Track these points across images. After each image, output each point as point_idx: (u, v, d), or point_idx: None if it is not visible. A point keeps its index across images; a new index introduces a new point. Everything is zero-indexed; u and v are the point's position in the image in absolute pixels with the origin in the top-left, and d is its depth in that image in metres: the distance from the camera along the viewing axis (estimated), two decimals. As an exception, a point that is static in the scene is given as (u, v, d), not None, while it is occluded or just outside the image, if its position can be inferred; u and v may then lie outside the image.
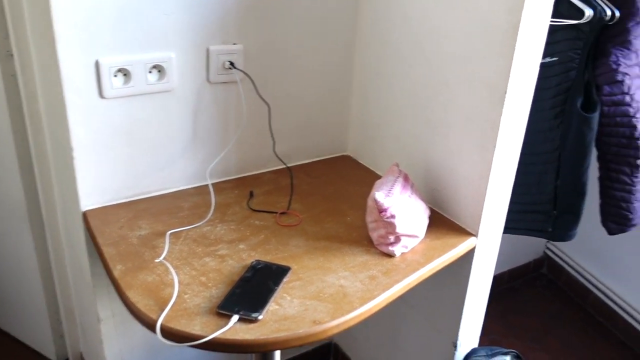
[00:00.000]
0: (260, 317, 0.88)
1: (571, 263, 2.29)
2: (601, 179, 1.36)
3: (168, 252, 1.04)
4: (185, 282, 0.96)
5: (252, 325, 0.87)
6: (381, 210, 1.04)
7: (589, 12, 1.14)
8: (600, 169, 1.35)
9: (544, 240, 2.39)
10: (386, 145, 1.38)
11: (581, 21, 1.15)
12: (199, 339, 0.84)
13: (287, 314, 0.90)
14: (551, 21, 1.17)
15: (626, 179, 1.32)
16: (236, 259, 1.04)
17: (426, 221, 1.15)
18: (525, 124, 1.09)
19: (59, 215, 1.44)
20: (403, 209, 1.07)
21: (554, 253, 2.37)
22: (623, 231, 1.43)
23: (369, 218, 1.10)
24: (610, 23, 1.18)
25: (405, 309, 1.44)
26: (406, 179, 1.16)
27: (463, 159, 1.15)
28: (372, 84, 1.38)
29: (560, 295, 2.31)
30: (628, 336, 2.06)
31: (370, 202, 1.07)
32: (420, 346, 1.41)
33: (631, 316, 2.04)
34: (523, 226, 1.39)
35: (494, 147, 1.07)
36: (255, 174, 1.39)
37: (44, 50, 1.14)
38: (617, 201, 1.37)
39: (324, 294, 0.96)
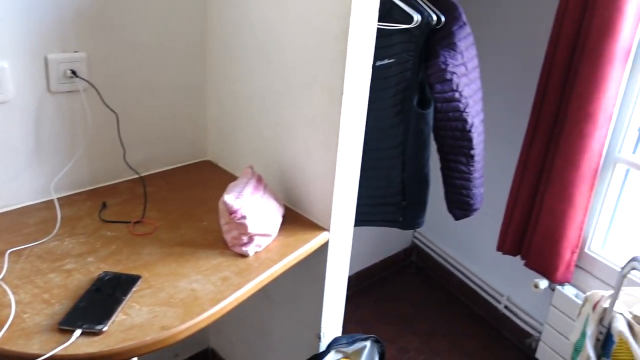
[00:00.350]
0: (104, 329, 0.87)
1: (436, 249, 2.46)
2: (442, 170, 1.48)
3: (7, 271, 0.99)
4: (25, 302, 0.92)
5: (96, 338, 0.85)
6: (231, 212, 1.06)
7: (417, 17, 1.24)
8: (441, 160, 1.47)
9: (410, 230, 2.55)
10: (243, 149, 1.40)
11: (411, 26, 1.25)
12: (37, 358, 0.81)
13: (135, 322, 0.90)
14: (386, 26, 1.26)
15: (464, 168, 1.45)
16: (84, 272, 1.01)
17: (279, 220, 1.19)
18: (364, 122, 1.16)
19: None
20: (254, 209, 1.10)
21: (421, 241, 2.53)
22: (467, 216, 1.57)
23: (222, 221, 1.12)
24: (438, 27, 1.29)
25: (272, 307, 1.48)
26: (259, 180, 1.19)
27: (311, 157, 1.20)
28: (226, 88, 1.39)
29: (428, 281, 2.48)
30: (487, 312, 2.25)
31: (221, 205, 1.09)
32: (288, 341, 1.45)
33: (487, 293, 2.23)
34: (377, 218, 1.48)
35: (337, 144, 1.13)
36: (110, 184, 1.35)
37: None
38: (458, 189, 1.50)
39: (174, 299, 0.96)
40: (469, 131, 1.38)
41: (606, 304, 1.41)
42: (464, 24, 1.30)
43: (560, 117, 1.58)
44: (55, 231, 1.12)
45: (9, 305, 0.90)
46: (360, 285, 2.38)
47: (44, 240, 1.09)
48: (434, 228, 2.46)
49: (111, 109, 1.26)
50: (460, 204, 1.53)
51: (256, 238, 1.10)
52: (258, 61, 1.26)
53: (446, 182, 1.50)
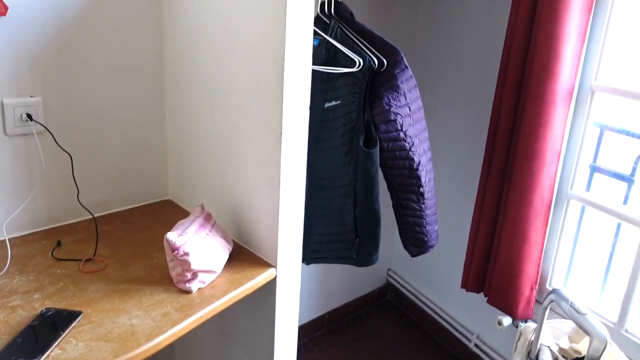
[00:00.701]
0: (37, 363, 0.89)
1: (409, 288, 2.47)
2: (394, 207, 1.52)
3: (-49, 308, 1.02)
4: (-36, 338, 0.95)
5: (27, 372, 0.87)
6: (174, 248, 1.10)
7: (359, 62, 1.30)
8: (392, 198, 1.51)
9: (385, 268, 2.57)
10: (200, 187, 1.45)
11: (354, 69, 1.31)
12: (-34, 392, 0.83)
13: (69, 357, 0.92)
14: (331, 70, 1.33)
15: (415, 205, 1.49)
16: (28, 308, 1.04)
17: (225, 256, 1.22)
18: (305, 161, 1.21)
19: None
20: (198, 246, 1.13)
21: (395, 280, 2.55)
22: (423, 252, 1.60)
23: (167, 258, 1.15)
24: (381, 70, 1.36)
25: (226, 342, 1.49)
26: (207, 218, 1.23)
27: (257, 195, 1.24)
28: (184, 129, 1.45)
29: (402, 319, 2.48)
30: (459, 350, 2.25)
31: (165, 242, 1.13)
32: (243, 379, 1.46)
33: (458, 331, 2.24)
34: (332, 255, 1.51)
35: (279, 183, 1.17)
36: (68, 224, 1.39)
37: None
38: (411, 226, 1.53)
39: (112, 335, 0.98)
40: (417, 169, 1.43)
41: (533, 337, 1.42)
42: (406, 67, 1.37)
43: (511, 156, 1.64)
44: (4, 269, 1.15)
45: (-53, 341, 0.93)
46: (333, 324, 2.39)
47: (-8, 278, 1.12)
48: (407, 266, 2.48)
49: (65, 151, 1.31)
50: (415, 241, 1.57)
51: (200, 274, 1.14)
52: (211, 103, 1.32)
53: (399, 219, 1.54)
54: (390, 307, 2.57)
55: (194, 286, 1.13)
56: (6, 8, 1.15)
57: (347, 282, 2.41)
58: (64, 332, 0.97)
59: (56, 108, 1.29)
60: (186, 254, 1.10)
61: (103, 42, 1.33)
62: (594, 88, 1.57)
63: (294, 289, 1.32)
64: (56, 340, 0.95)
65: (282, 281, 1.27)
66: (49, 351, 0.92)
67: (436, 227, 1.59)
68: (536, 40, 1.49)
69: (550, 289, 1.82)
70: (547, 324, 1.51)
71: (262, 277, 1.22)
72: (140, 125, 1.46)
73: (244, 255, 1.29)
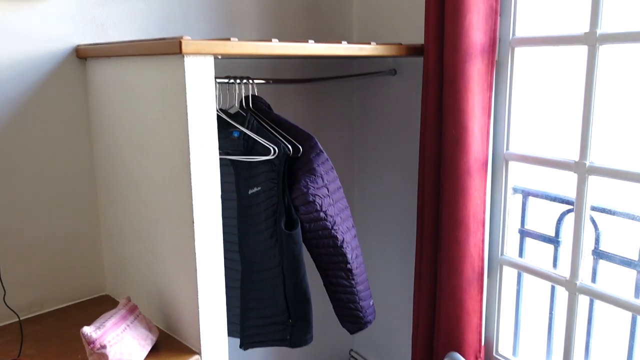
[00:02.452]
0: None
1: (372, 367, 2.44)
2: (325, 286, 1.56)
3: None
4: None
5: None
6: (89, 342, 1.12)
7: (273, 150, 1.39)
8: (322, 277, 1.55)
9: (347, 349, 2.54)
10: (134, 280, 1.48)
11: (270, 157, 1.40)
12: None
13: None
14: (249, 159, 1.41)
15: (345, 282, 1.53)
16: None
17: (148, 347, 1.23)
18: (221, 247, 1.26)
19: None
20: (116, 338, 1.15)
21: (359, 355, 2.52)
22: (361, 329, 1.62)
23: (87, 352, 1.17)
24: (297, 156, 1.44)
25: None
26: (131, 309, 1.25)
27: (180, 284, 1.28)
28: (115, 224, 1.50)
29: (367, 401, 2.43)
30: None
31: (82, 337, 1.15)
32: None
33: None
34: (268, 338, 1.52)
35: (196, 270, 1.21)
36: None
37: None
38: (345, 303, 1.56)
39: None
40: (341, 247, 1.48)
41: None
42: (321, 151, 1.46)
43: (439, 226, 1.70)
44: None
45: None
46: (296, 413, 2.33)
47: None
48: (369, 345, 2.46)
49: (-9, 254, 1.36)
50: (351, 318, 1.59)
51: (119, 367, 1.15)
52: (133, 198, 1.38)
53: (332, 297, 1.57)
54: (355, 389, 2.52)
55: (112, 379, 1.14)
56: None
57: (308, 365, 2.38)
58: None
59: (-16, 212, 1.34)
60: (103, 346, 1.12)
61: (33, 148, 1.41)
62: (507, 157, 1.67)
63: (222, 375, 1.32)
64: None
65: (209, 368, 1.28)
66: None
67: (371, 302, 1.62)
68: (446, 118, 1.60)
69: (497, 356, 1.82)
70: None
71: (185, 365, 1.23)
72: (74, 223, 1.51)
73: (170, 344, 1.31)
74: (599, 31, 1.39)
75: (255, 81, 1.52)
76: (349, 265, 1.51)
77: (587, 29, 1.41)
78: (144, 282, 1.43)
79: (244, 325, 1.53)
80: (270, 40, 1.29)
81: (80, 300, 1.56)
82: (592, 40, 1.40)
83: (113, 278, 1.58)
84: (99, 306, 1.53)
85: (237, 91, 1.51)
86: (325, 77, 1.95)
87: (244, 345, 1.53)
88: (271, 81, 1.72)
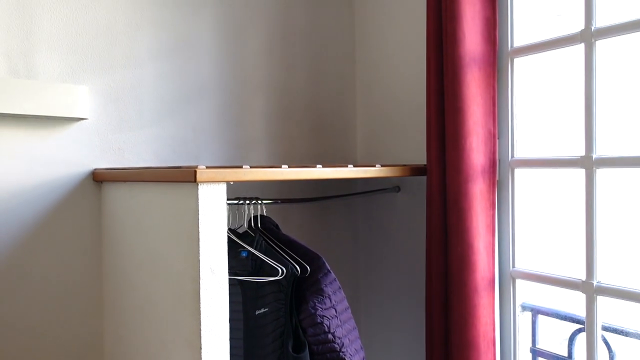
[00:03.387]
0: None
1: None
2: (333, 411, 1.50)
3: None
4: None
5: None
6: None
7: (281, 270, 1.40)
8: (330, 401, 1.50)
9: None
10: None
11: (278, 278, 1.41)
12: None
13: None
14: (257, 279, 1.42)
15: (354, 407, 1.48)
16: None
17: None
18: (228, 373, 1.23)
19: None
20: None
21: None
22: None
23: None
24: (305, 276, 1.46)
25: None
26: None
27: (183, 412, 1.24)
28: (119, 346, 1.48)
29: None
30: None
31: None
32: None
33: None
34: None
35: (201, 398, 1.18)
36: None
37: None
38: None
39: None
40: (350, 369, 1.45)
41: None
42: (328, 271, 1.47)
43: (448, 347, 1.67)
44: None
45: None
46: None
47: None
48: None
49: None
50: None
51: None
52: (141, 320, 1.38)
53: (340, 423, 1.50)
54: None
55: None
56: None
57: None
58: None
59: (-10, 336, 1.34)
60: None
61: (46, 269, 1.43)
62: (514, 275, 1.68)
63: None
64: None
65: None
66: None
67: None
68: (451, 236, 1.62)
69: None
70: None
71: None
72: (78, 344, 1.49)
73: None
74: (594, 155, 1.45)
75: (264, 201, 1.57)
76: (357, 390, 1.47)
77: (583, 153, 1.47)
78: (146, 409, 1.38)
79: None
80: (280, 166, 1.35)
81: None
82: (588, 164, 1.46)
83: (114, 402, 1.53)
84: None
85: (246, 211, 1.55)
86: (331, 196, 2.01)
87: None
88: (279, 201, 1.77)
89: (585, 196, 1.47)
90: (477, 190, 1.61)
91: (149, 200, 1.33)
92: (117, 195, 1.46)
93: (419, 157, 1.90)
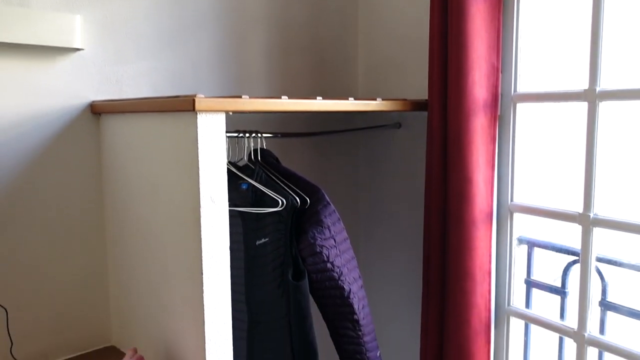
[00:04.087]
0: None
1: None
2: (332, 336, 1.56)
3: None
4: None
5: None
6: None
7: (281, 202, 1.42)
8: (328, 327, 1.55)
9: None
10: (140, 331, 1.48)
11: (278, 209, 1.43)
12: None
13: None
14: (258, 210, 1.44)
15: (352, 333, 1.53)
16: None
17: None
18: (229, 299, 1.27)
19: None
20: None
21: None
22: (369, 381, 1.60)
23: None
24: (304, 208, 1.47)
25: None
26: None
27: (187, 336, 1.29)
28: (122, 275, 1.52)
29: None
30: None
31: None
32: None
33: None
34: (273, 390, 1.51)
35: (204, 323, 1.22)
36: (5, 377, 1.40)
37: None
38: (352, 354, 1.56)
39: None
40: (348, 297, 1.49)
41: None
42: (328, 203, 1.48)
43: (445, 277, 1.71)
44: None
45: None
46: None
47: None
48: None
49: (1, 306, 1.37)
50: (358, 370, 1.58)
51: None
52: (143, 250, 1.41)
53: (338, 348, 1.56)
54: None
55: None
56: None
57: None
58: None
59: (-4, 264, 1.37)
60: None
61: (44, 202, 1.45)
62: (512, 208, 1.70)
63: None
64: None
65: (215, 422, 1.27)
66: None
67: (378, 353, 1.61)
68: (450, 171, 1.63)
69: (507, 410, 1.79)
70: None
71: (191, 420, 1.22)
72: (82, 274, 1.53)
73: (178, 398, 1.30)
74: (598, 88, 1.43)
75: (264, 135, 1.56)
76: (355, 316, 1.51)
77: (586, 86, 1.46)
78: (151, 333, 1.43)
79: (251, 377, 1.52)
80: (280, 97, 1.33)
81: (86, 352, 1.56)
82: (591, 97, 1.45)
83: (119, 329, 1.58)
84: (105, 357, 1.53)
85: (246, 144, 1.55)
86: (332, 131, 2.00)
87: (250, 398, 1.51)
88: (279, 135, 1.77)
89: (586, 129, 1.46)
90: (478, 125, 1.60)
91: (148, 131, 1.33)
92: (116, 127, 1.46)
93: (421, 94, 1.88)
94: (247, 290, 1.51)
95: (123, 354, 1.54)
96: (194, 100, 1.14)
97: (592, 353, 1.57)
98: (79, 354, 1.54)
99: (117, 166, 1.48)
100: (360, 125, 2.11)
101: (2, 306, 1.37)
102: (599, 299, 1.63)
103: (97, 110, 1.50)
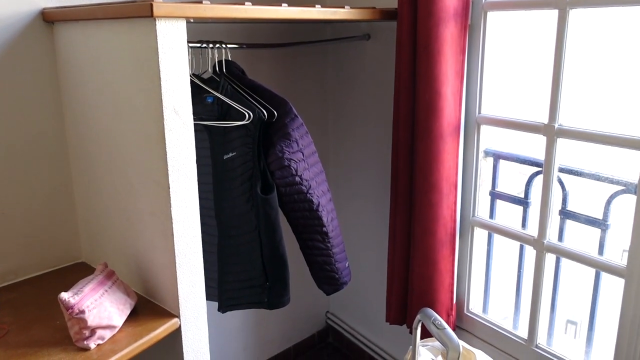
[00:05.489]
0: None
1: (347, 328, 2.51)
2: (301, 249, 1.58)
3: None
4: None
5: None
6: (67, 307, 1.12)
7: (248, 115, 1.39)
8: (298, 240, 1.57)
9: (324, 311, 2.60)
10: (109, 246, 1.48)
11: (245, 122, 1.40)
12: None
13: None
14: (224, 124, 1.41)
15: (321, 245, 1.56)
16: None
17: (126, 311, 1.25)
18: (197, 211, 1.27)
19: None
20: (95, 303, 1.16)
21: (334, 322, 2.58)
22: (337, 290, 1.65)
23: (65, 318, 1.18)
24: (272, 121, 1.45)
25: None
26: (108, 275, 1.26)
27: (156, 249, 1.29)
28: (89, 191, 1.49)
29: (343, 360, 2.51)
30: (397, 385, 2.28)
31: (60, 303, 1.15)
32: None
33: (395, 366, 2.28)
34: (245, 301, 1.55)
35: (172, 234, 1.22)
36: (-27, 295, 1.40)
37: None
38: (321, 265, 1.59)
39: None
40: (317, 210, 1.50)
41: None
42: (295, 116, 1.46)
43: (413, 189, 1.73)
44: None
45: None
46: (274, 373, 2.39)
47: None
48: (344, 307, 2.52)
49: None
50: (327, 280, 1.62)
51: (98, 331, 1.16)
52: (108, 164, 1.38)
53: (308, 260, 1.60)
54: (331, 349, 2.59)
55: (92, 343, 1.15)
56: None
57: (285, 328, 2.43)
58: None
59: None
60: (81, 311, 1.13)
61: (1, 114, 1.38)
62: (479, 121, 1.70)
63: (201, 338, 1.35)
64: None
65: (188, 330, 1.30)
66: None
67: (347, 264, 1.66)
68: (419, 82, 1.61)
69: (468, 314, 1.89)
70: (424, 343, 1.64)
71: (164, 327, 1.25)
72: (46, 191, 1.50)
73: (148, 309, 1.32)
74: (569, -5, 1.41)
75: (229, 46, 1.50)
76: (324, 229, 1.54)
77: (557, -7, 1.43)
78: (120, 248, 1.43)
79: (222, 289, 1.55)
80: (244, 3, 1.27)
81: (56, 268, 1.56)
82: (562, 3, 1.42)
83: (89, 245, 1.57)
84: (76, 273, 1.53)
85: (210, 56, 1.49)
86: (299, 42, 1.94)
87: (222, 308, 1.55)
88: (245, 46, 1.70)
89: (555, 37, 1.45)
90: (448, 34, 1.57)
91: (105, 40, 1.26)
92: (71, 37, 1.37)
93: (391, 3, 1.81)
94: (216, 206, 1.51)
95: (93, 269, 1.55)
96: (151, 5, 1.08)
97: (550, 259, 1.65)
98: (49, 270, 1.54)
99: (75, 78, 1.41)
100: (328, 37, 2.05)
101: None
102: (560, 208, 1.68)
103: (49, 18, 1.40)
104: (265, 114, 1.41)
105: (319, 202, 1.51)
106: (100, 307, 1.17)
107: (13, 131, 1.41)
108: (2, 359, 1.12)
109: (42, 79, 1.44)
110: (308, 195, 1.48)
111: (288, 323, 2.44)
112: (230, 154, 1.45)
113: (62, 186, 1.53)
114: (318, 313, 2.58)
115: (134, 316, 1.28)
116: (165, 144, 1.17)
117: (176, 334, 1.30)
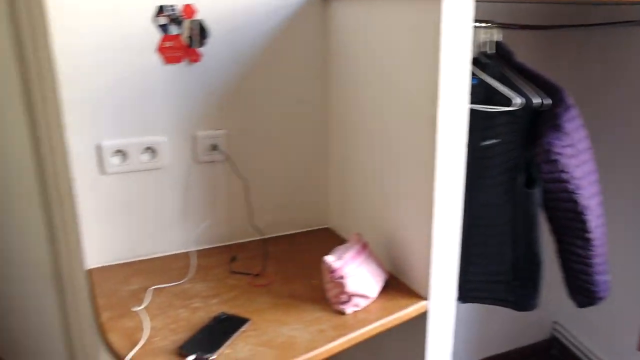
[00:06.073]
0: (213, 358, 1.04)
1: (579, 346, 2.28)
2: (557, 252, 1.46)
3: (150, 303, 1.22)
4: (157, 328, 1.14)
5: (205, 364, 1.02)
6: (331, 270, 1.19)
7: (515, 101, 1.30)
8: (555, 242, 1.45)
9: (551, 320, 2.41)
10: (358, 218, 1.54)
11: (511, 108, 1.32)
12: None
13: (238, 356, 1.05)
14: (488, 109, 1.35)
15: (580, 251, 1.42)
16: (206, 311, 1.21)
17: (380, 284, 1.28)
18: (461, 197, 1.23)
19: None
20: (354, 271, 1.21)
21: (561, 333, 2.37)
22: (591, 304, 1.49)
23: (325, 280, 1.25)
24: (542, 109, 1.34)
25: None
26: (364, 246, 1.31)
27: (410, 228, 1.29)
28: (345, 162, 1.56)
29: (568, 378, 2.29)
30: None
31: (323, 264, 1.23)
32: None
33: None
34: (488, 295, 1.49)
35: (431, 217, 1.21)
36: (241, 242, 1.57)
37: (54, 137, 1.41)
38: (577, 273, 1.45)
39: (274, 342, 1.10)
40: (582, 213, 1.36)
41: None
42: (570, 106, 1.33)
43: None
44: (190, 276, 1.35)
45: (146, 329, 1.12)
46: (490, 373, 2.30)
47: (180, 282, 1.32)
48: (577, 321, 2.30)
49: (242, 178, 1.50)
50: (582, 291, 1.47)
51: (354, 298, 1.21)
52: (368, 139, 1.42)
53: (563, 265, 1.46)
54: (555, 362, 2.39)
55: (348, 308, 1.21)
56: (200, 55, 1.38)
57: (507, 329, 2.31)
58: (234, 334, 1.11)
59: (236, 140, 1.50)
60: (342, 277, 1.19)
61: (276, 86, 1.51)
62: None
63: (446, 324, 1.32)
64: (227, 340, 1.09)
65: (435, 315, 1.29)
66: (222, 349, 1.06)
67: (606, 278, 1.48)
68: None
69: None
70: None
71: (414, 308, 1.25)
72: (306, 158, 1.61)
73: (397, 286, 1.34)
74: None
75: (500, 25, 1.43)
76: (587, 234, 1.39)
77: None
78: (370, 222, 1.47)
79: (464, 279, 1.51)
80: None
81: (305, 230, 1.68)
82: None
83: (336, 213, 1.66)
84: (322, 237, 1.63)
85: (475, 36, 1.43)
86: (563, 25, 1.76)
87: (464, 299, 1.51)
88: (517, 27, 1.60)
89: None
90: None
91: (382, 17, 1.28)
92: (346, 14, 1.43)
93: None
94: (466, 194, 1.46)
95: (338, 237, 1.63)
96: (441, -17, 1.05)
97: None
98: (300, 230, 1.67)
99: (344, 54, 1.47)
100: (592, 22, 1.83)
101: (244, 179, 1.51)
102: None
103: (329, -4, 1.48)
104: (536, 101, 1.31)
105: (586, 205, 1.36)
106: (359, 276, 1.22)
107: (286, 98, 1.53)
108: (270, 304, 1.24)
109: (313, 50, 1.53)
110: (575, 195, 1.35)
111: (511, 325, 2.31)
112: (492, 141, 1.38)
113: (320, 153, 1.63)
114: (544, 320, 2.39)
115: (384, 291, 1.30)
116: (435, 125, 1.15)
117: (422, 318, 1.29)
